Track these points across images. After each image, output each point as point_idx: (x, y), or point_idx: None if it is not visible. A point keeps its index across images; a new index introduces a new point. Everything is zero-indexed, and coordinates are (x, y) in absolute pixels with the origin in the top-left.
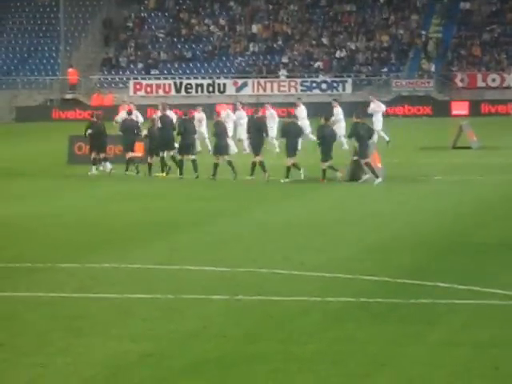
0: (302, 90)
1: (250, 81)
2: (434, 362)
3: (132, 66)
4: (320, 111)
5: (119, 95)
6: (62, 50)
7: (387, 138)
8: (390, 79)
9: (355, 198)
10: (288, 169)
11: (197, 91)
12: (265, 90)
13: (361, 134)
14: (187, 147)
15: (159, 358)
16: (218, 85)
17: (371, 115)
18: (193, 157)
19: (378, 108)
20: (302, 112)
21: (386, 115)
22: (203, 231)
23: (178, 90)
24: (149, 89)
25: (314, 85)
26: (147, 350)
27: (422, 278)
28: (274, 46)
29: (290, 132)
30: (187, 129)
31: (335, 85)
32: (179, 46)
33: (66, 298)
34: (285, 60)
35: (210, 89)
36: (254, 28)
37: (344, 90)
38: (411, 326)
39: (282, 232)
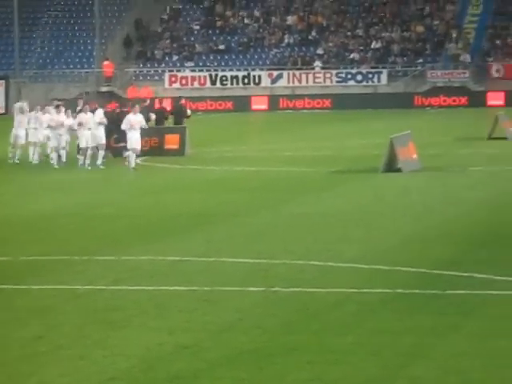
0: (337, 82)
1: (285, 72)
2: (470, 353)
3: (167, 59)
4: (355, 103)
5: (155, 88)
6: (97, 42)
7: None
8: (426, 70)
9: (392, 189)
10: None
11: (232, 83)
12: (300, 81)
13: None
14: None
15: (196, 350)
16: (254, 76)
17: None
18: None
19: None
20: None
21: (421, 106)
22: (239, 223)
23: (213, 82)
24: (184, 81)
25: (349, 76)
26: (184, 341)
27: (458, 269)
28: (309, 37)
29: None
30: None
31: (370, 76)
32: (214, 38)
33: (103, 291)
34: (320, 51)
35: (246, 81)
36: (289, 19)
37: (379, 81)
38: (448, 317)
39: (318, 223)
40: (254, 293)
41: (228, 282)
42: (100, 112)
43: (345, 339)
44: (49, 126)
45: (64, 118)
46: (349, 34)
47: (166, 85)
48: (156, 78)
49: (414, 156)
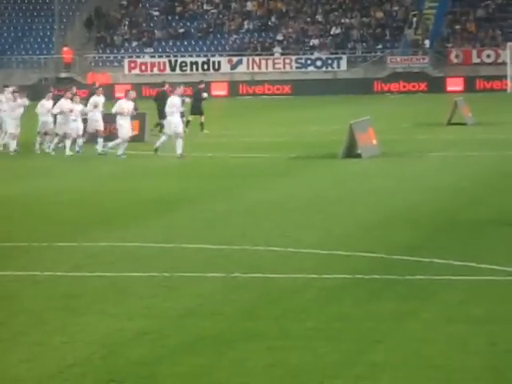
0: (296, 68)
1: (244, 58)
2: (429, 339)
3: (127, 45)
4: (315, 89)
5: (114, 74)
6: (57, 28)
7: None
8: (385, 56)
9: (352, 175)
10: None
11: (192, 69)
12: (259, 67)
13: None
14: None
15: (156, 336)
16: (213, 62)
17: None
18: None
19: None
20: None
21: (381, 92)
22: (199, 209)
23: (172, 68)
24: (143, 67)
25: (309, 62)
26: (144, 328)
27: (418, 255)
28: (269, 23)
29: None
30: None
31: (330, 62)
32: (174, 24)
33: (62, 277)
34: (279, 37)
35: (205, 67)
36: (249, 5)
37: (339, 67)
38: (407, 302)
39: (278, 209)
40: (213, 279)
41: (188, 267)
42: (123, 102)
43: (305, 325)
44: (60, 113)
45: (71, 103)
46: (308, 19)
47: (126, 71)
48: (115, 64)
49: (374, 142)
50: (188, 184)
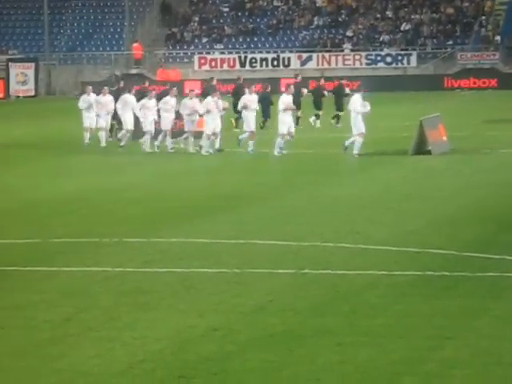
0: (366, 64)
1: (314, 55)
2: (500, 335)
3: (196, 41)
4: (385, 85)
5: (184, 70)
6: (127, 25)
7: None
8: (455, 52)
9: (421, 172)
10: None
11: (261, 65)
12: (329, 63)
13: None
14: None
15: (226, 332)
16: (283, 59)
17: None
18: None
19: None
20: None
21: (451, 88)
22: (270, 205)
23: (242, 64)
24: (213, 63)
25: (379, 58)
26: (214, 324)
27: (488, 252)
28: (339, 19)
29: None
30: None
31: (400, 58)
32: (243, 20)
33: (132, 273)
34: (349, 33)
35: (275, 63)
36: (319, 1)
37: (409, 63)
38: (478, 299)
39: (348, 206)
40: (284, 275)
41: (258, 264)
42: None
43: (374, 321)
44: (207, 112)
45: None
46: (378, 16)
47: (196, 67)
48: (185, 60)
49: (444, 138)
50: (259, 180)
